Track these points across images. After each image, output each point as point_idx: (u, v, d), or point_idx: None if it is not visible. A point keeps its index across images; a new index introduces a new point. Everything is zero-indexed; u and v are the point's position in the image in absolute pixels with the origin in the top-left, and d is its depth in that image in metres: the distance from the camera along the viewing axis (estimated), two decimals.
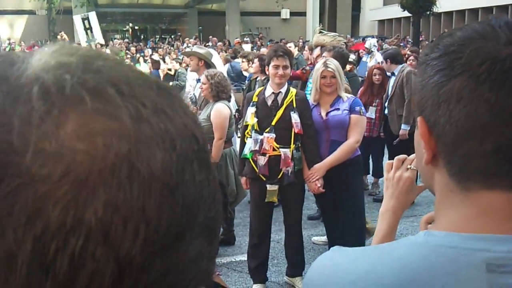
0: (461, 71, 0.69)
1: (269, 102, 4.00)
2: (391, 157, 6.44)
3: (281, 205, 4.28)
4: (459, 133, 0.69)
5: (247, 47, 19.21)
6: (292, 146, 3.96)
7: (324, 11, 32.07)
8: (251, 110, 4.06)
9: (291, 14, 35.77)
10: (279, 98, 3.99)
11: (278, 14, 34.82)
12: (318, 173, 4.00)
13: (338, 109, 4.07)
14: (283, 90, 4.00)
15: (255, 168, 4.01)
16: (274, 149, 3.95)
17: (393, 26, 36.33)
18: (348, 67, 6.63)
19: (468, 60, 0.69)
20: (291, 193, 4.06)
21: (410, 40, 22.55)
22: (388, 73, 6.53)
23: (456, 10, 32.19)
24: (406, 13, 21.73)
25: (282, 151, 3.94)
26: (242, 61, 7.36)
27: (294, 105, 3.96)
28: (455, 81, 0.69)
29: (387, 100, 6.28)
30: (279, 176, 3.97)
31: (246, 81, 6.59)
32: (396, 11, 24.70)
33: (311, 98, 4.19)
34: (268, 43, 24.74)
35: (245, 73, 8.34)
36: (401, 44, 21.60)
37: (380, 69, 6.51)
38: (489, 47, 0.69)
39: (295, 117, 3.93)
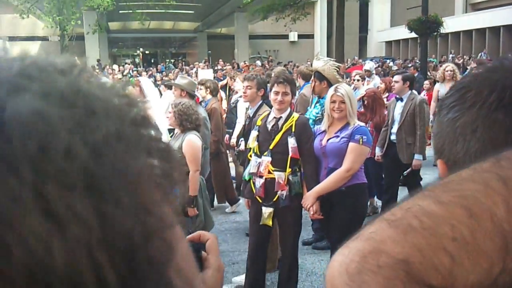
0: (472, 102, 0.70)
1: (270, 127, 4.10)
2: (387, 183, 6.32)
3: (278, 228, 4.28)
4: None
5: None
6: (288, 170, 4.00)
7: (332, 33, 32.41)
8: (253, 134, 4.20)
9: (299, 36, 36.19)
10: (280, 123, 4.08)
11: (286, 37, 35.24)
12: (307, 202, 3.99)
13: (338, 136, 4.02)
14: (284, 115, 4.08)
15: (253, 190, 4.11)
16: (269, 172, 4.01)
17: (400, 47, 36.58)
18: None
19: (477, 91, 0.70)
20: (286, 217, 4.08)
21: (418, 61, 22.70)
22: (388, 98, 6.47)
23: (463, 30, 32.42)
24: (414, 34, 21.92)
25: (277, 174, 3.99)
26: (200, 89, 6.99)
27: (293, 130, 4.02)
28: (468, 113, 0.70)
29: (397, 128, 6.15)
30: (274, 199, 4.02)
31: (204, 107, 6.55)
32: (403, 32, 24.90)
33: (322, 124, 4.22)
34: (277, 65, 25.06)
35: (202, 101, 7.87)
36: (409, 65, 21.79)
37: (368, 96, 6.44)
38: (496, 77, 0.70)
39: (291, 142, 3.98)
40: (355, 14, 35.66)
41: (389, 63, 23.39)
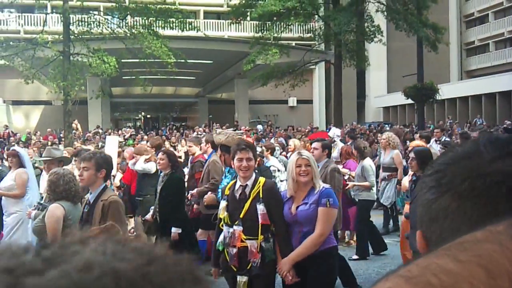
0: (447, 189, 0.71)
1: (238, 195, 4.13)
2: None
3: None
4: None
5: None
6: (260, 237, 3.99)
7: (330, 98, 33.04)
8: (222, 204, 4.23)
9: (298, 102, 36.80)
10: (247, 190, 4.10)
11: (285, 102, 35.85)
12: (284, 268, 3.98)
13: (306, 203, 4.05)
14: (250, 182, 4.12)
15: (227, 259, 4.11)
16: (242, 241, 4.01)
17: (398, 112, 37.15)
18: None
19: (451, 178, 0.71)
20: (258, 285, 4.06)
21: (415, 126, 23.00)
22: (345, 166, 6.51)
23: (459, 96, 33.05)
24: (410, 100, 22.36)
25: (249, 243, 3.99)
26: (75, 160, 6.96)
27: (261, 196, 4.04)
28: (442, 199, 0.71)
29: None
30: (248, 267, 4.01)
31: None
32: (400, 98, 25.41)
33: (287, 191, 4.21)
34: (276, 130, 25.36)
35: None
36: (407, 130, 22.07)
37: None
38: (472, 165, 0.71)
39: (260, 208, 3.99)
40: (352, 80, 36.48)
41: (386, 128, 23.68)
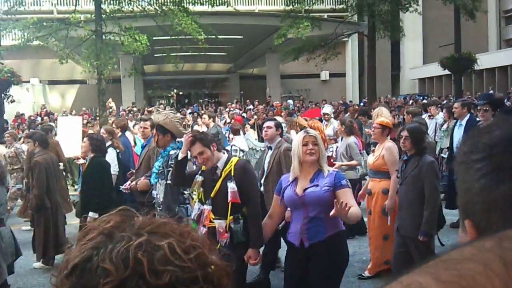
0: (510, 174, 0.66)
1: (212, 173, 4.12)
2: None
3: None
4: None
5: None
6: (229, 217, 3.91)
7: (364, 71, 32.43)
8: (198, 178, 4.16)
9: (331, 75, 36.29)
10: (218, 172, 4.08)
11: (317, 76, 35.39)
12: (254, 255, 3.98)
13: (317, 185, 3.80)
14: (220, 163, 4.10)
15: None
16: (211, 221, 3.96)
17: (434, 84, 36.22)
18: None
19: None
20: None
21: (452, 98, 22.39)
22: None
23: (498, 66, 31.94)
24: (447, 71, 21.72)
25: (217, 222, 3.94)
26: (28, 142, 6.98)
27: (232, 174, 3.97)
28: (504, 186, 0.66)
29: (264, 177, 5.65)
30: (217, 247, 3.97)
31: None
32: (436, 69, 24.71)
33: (291, 174, 3.94)
34: (309, 104, 25.10)
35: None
36: (444, 102, 21.51)
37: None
38: None
39: (231, 186, 3.91)
40: (386, 52, 35.65)
41: (422, 101, 23.13)
